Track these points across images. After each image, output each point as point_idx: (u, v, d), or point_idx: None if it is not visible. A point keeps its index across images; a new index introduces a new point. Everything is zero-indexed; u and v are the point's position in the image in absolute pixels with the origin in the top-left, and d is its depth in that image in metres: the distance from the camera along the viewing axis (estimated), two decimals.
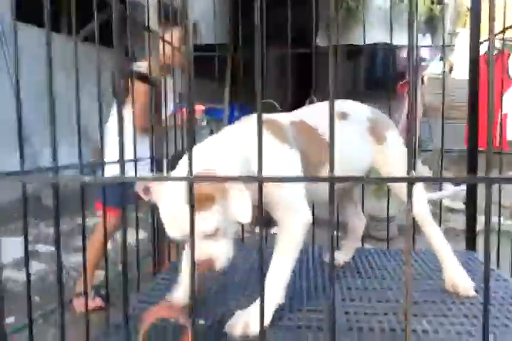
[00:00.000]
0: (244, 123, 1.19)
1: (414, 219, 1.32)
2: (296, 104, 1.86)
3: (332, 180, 0.52)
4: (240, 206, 0.93)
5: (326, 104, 1.43)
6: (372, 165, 1.39)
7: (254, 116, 1.19)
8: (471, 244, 1.75)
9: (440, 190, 1.84)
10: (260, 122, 0.53)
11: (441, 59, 4.28)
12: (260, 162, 0.53)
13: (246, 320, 1.04)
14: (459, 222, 3.43)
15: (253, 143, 1.06)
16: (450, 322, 1.08)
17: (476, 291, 1.24)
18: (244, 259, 1.62)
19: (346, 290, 1.31)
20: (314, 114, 1.32)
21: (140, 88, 1.74)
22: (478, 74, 1.77)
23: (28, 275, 0.85)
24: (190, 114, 0.56)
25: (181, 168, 1.03)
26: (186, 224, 0.61)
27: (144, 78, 1.50)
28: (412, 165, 0.52)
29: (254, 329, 1.03)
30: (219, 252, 0.95)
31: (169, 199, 0.94)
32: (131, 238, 0.87)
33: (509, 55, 4.49)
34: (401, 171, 1.10)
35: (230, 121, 5.08)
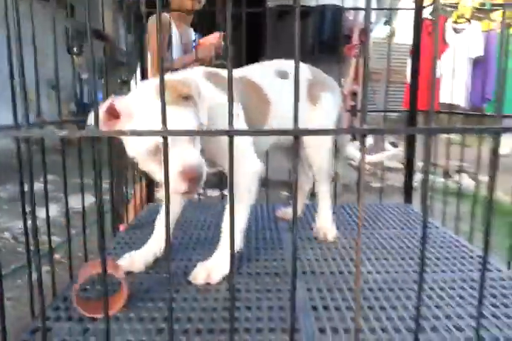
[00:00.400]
0: (185, 72, 1.20)
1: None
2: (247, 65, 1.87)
3: (296, 133, 0.58)
4: (203, 110, 0.98)
5: (269, 63, 1.47)
6: (306, 123, 1.39)
7: (197, 68, 1.22)
8: (408, 198, 1.92)
9: (380, 151, 1.97)
10: (231, 78, 0.56)
11: (386, 23, 4.38)
12: (231, 115, 0.57)
13: (207, 269, 1.12)
14: (396, 180, 3.71)
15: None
16: (390, 264, 1.22)
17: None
18: (202, 217, 1.69)
19: (298, 240, 1.42)
20: (257, 71, 1.35)
21: (153, 30, 1.82)
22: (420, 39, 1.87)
23: None
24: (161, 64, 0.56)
25: (141, 89, 1.00)
26: (167, 121, 0.57)
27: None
28: (364, 119, 0.59)
29: (216, 277, 1.11)
30: (201, 159, 0.95)
31: (144, 98, 0.94)
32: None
33: (446, 20, 4.69)
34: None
35: None
